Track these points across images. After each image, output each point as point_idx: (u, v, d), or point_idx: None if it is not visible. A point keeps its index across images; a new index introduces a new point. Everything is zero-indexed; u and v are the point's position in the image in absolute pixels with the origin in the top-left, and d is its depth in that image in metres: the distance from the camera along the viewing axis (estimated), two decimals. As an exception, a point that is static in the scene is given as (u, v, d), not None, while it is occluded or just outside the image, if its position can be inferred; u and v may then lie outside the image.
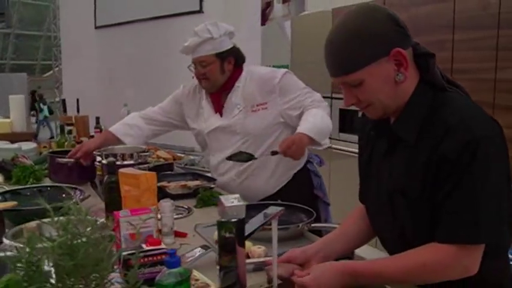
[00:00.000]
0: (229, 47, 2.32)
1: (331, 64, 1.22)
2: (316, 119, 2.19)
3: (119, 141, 2.47)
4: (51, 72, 10.24)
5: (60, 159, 2.27)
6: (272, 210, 1.15)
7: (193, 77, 2.38)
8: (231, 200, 1.03)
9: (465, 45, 2.89)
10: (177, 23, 6.31)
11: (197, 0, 6.17)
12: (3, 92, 8.51)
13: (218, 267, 1.12)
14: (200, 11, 6.16)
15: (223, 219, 1.01)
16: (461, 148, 1.09)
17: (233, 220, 0.99)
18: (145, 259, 1.04)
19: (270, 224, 1.15)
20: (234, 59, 2.33)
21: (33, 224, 1.14)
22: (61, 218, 0.90)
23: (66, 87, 8.54)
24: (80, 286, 0.86)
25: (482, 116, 1.16)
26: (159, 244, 1.11)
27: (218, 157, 2.39)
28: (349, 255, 1.49)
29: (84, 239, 0.87)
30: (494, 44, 2.73)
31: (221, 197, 1.03)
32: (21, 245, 1.31)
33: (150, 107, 2.61)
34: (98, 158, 2.30)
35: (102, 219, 1.51)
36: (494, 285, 1.25)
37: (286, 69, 2.35)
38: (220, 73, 2.31)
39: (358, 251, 1.53)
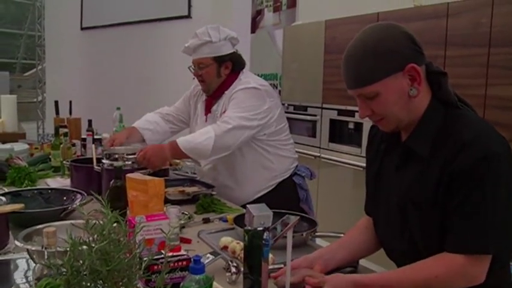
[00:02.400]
0: (228, 52, 2.36)
1: (349, 77, 1.27)
2: (198, 136, 2.22)
3: (141, 136, 2.55)
4: (33, 71, 10.06)
5: (96, 168, 2.26)
6: (289, 220, 1.18)
7: (193, 78, 2.44)
8: (259, 209, 1.05)
9: (456, 61, 2.96)
10: (165, 27, 6.32)
11: (186, 5, 6.21)
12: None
13: (242, 273, 1.14)
14: (188, 16, 6.19)
15: (250, 227, 1.03)
16: (476, 163, 1.15)
17: (259, 229, 1.02)
18: (170, 265, 1.06)
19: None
20: (231, 64, 2.38)
21: (51, 228, 1.15)
22: (93, 222, 0.91)
23: (49, 88, 8.45)
24: (112, 291, 0.88)
25: (494, 133, 1.22)
26: (180, 250, 1.13)
27: None
28: (354, 265, 1.52)
29: (117, 244, 0.88)
30: (484, 61, 2.81)
31: (249, 206, 1.06)
32: (32, 248, 1.32)
33: (165, 106, 2.72)
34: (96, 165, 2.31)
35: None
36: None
37: (257, 85, 2.32)
38: (216, 76, 2.37)
39: (363, 262, 1.56)
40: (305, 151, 4.23)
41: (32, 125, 8.70)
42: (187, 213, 2.05)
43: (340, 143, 3.92)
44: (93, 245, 0.82)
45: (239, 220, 1.82)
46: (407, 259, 1.28)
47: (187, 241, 1.73)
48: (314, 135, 4.18)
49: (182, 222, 1.80)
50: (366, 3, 3.73)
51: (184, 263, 1.10)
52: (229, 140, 2.21)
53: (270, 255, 1.52)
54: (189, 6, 6.23)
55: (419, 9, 3.24)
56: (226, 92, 2.38)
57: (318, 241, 2.53)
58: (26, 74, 15.44)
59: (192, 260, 1.02)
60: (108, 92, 6.39)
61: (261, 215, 1.02)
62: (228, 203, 2.26)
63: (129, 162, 2.19)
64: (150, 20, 6.58)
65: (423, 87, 1.26)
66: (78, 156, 3.05)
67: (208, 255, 1.47)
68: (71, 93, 6.48)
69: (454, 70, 2.96)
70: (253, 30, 5.60)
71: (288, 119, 4.57)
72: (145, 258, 1.06)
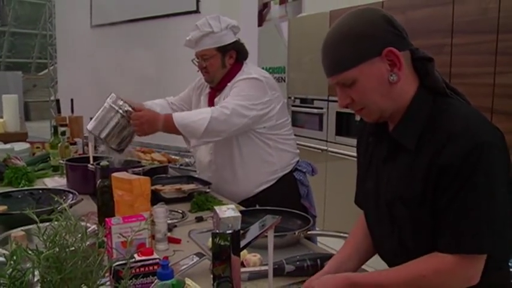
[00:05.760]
0: (231, 41, 2.32)
1: (326, 64, 1.22)
2: (194, 115, 2.20)
3: None
4: (46, 70, 10.16)
5: (90, 167, 2.24)
6: (269, 219, 1.11)
7: (198, 71, 2.40)
8: (226, 210, 0.99)
9: (464, 49, 2.86)
10: (174, 23, 6.26)
11: (194, 0, 6.16)
12: (-2, 91, 8.45)
13: (212, 276, 1.09)
14: (197, 11, 6.13)
15: (218, 231, 0.97)
16: (464, 155, 1.07)
17: (228, 232, 0.95)
18: (137, 270, 1.00)
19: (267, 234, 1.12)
20: (235, 53, 2.34)
21: (20, 231, 1.10)
22: (49, 226, 0.86)
23: (61, 86, 8.47)
24: (68, 300, 0.83)
25: (485, 122, 1.13)
26: (152, 254, 1.08)
27: (199, 150, 2.45)
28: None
29: (72, 250, 0.83)
30: (493, 48, 2.70)
31: (216, 208, 1.00)
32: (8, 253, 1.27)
33: (171, 96, 2.74)
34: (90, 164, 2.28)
35: (94, 226, 1.47)
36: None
37: (259, 76, 2.27)
38: (221, 67, 2.33)
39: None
40: (312, 144, 4.16)
41: (47, 124, 8.77)
42: (180, 211, 2.00)
43: (347, 136, 3.84)
44: (42, 253, 0.77)
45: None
46: (398, 259, 1.20)
47: (176, 241, 1.68)
48: (321, 129, 4.10)
49: (170, 222, 1.75)
50: (371, -8, 3.63)
51: (156, 267, 1.04)
52: (224, 125, 2.17)
53: (258, 256, 1.47)
54: (197, 0, 6.18)
55: (424, -4, 3.14)
56: (229, 84, 2.34)
57: (320, 239, 2.46)
58: (41, 73, 15.60)
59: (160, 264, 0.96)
60: (115, 90, 6.37)
61: (228, 218, 0.95)
62: (225, 200, 2.20)
63: (125, 115, 2.21)
64: (158, 16, 6.54)
65: (406, 74, 1.17)
66: (80, 154, 3.02)
67: (193, 256, 1.42)
68: (81, 91, 6.47)
69: (462, 58, 2.87)
70: (260, 24, 5.53)
71: (294, 112, 4.56)
72: (114, 264, 1.01)
